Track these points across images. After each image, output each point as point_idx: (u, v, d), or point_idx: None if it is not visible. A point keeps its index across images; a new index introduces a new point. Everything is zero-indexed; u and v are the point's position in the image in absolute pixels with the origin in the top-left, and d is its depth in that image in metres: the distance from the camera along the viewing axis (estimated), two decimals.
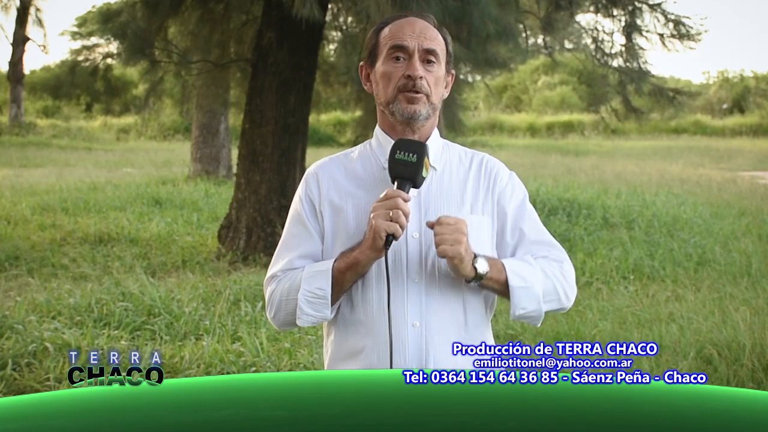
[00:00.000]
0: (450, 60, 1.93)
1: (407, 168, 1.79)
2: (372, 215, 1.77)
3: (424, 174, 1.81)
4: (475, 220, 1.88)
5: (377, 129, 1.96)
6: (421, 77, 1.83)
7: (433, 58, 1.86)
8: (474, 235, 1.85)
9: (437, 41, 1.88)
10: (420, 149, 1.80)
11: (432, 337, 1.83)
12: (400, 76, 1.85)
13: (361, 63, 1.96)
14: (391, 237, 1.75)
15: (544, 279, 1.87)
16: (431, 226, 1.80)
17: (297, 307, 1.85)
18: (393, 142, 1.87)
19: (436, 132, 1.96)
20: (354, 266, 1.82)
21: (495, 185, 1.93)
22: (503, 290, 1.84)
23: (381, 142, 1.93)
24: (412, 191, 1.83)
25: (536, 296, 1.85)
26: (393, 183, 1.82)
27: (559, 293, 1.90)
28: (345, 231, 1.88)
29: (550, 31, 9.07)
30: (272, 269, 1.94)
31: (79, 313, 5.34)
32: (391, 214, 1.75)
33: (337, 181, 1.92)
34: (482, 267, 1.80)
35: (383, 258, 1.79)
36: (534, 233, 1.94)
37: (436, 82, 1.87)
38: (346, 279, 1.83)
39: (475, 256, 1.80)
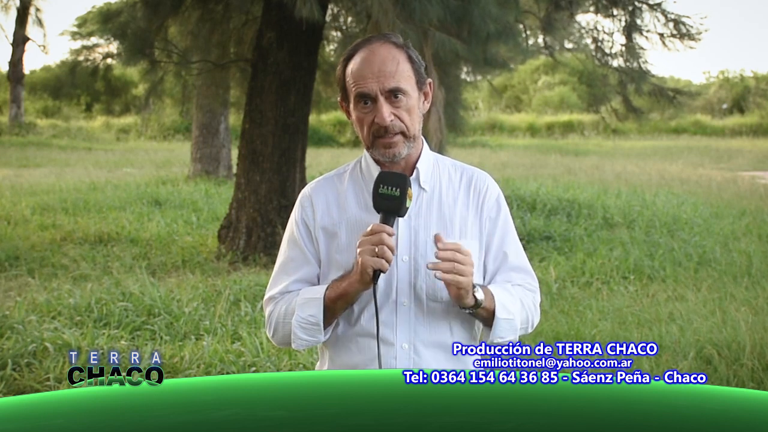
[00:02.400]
0: (421, 76, 1.92)
1: (391, 202, 1.83)
2: (358, 250, 1.82)
3: (407, 205, 1.85)
4: (464, 245, 1.91)
5: (366, 153, 1.99)
6: (391, 120, 1.86)
7: (399, 94, 1.87)
8: None
9: (398, 73, 1.87)
10: (402, 182, 1.84)
11: (420, 360, 1.89)
12: (371, 122, 1.88)
13: (339, 99, 1.98)
14: (378, 272, 1.81)
15: (521, 310, 1.95)
16: (437, 240, 1.82)
17: (292, 332, 1.92)
18: (379, 169, 1.92)
19: (425, 149, 1.99)
20: (344, 296, 1.88)
21: (483, 208, 1.98)
22: (489, 318, 1.90)
23: (369, 167, 1.97)
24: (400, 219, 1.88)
25: (515, 328, 1.92)
26: (378, 213, 1.86)
27: (529, 323, 1.99)
28: (339, 256, 1.94)
29: (550, 31, 9.08)
30: (270, 290, 2.01)
31: (79, 313, 5.34)
32: (376, 249, 1.79)
33: (329, 207, 1.97)
34: (480, 295, 1.86)
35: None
36: (515, 259, 2.00)
37: (409, 112, 1.88)
38: (337, 307, 1.90)
39: (474, 285, 1.86)
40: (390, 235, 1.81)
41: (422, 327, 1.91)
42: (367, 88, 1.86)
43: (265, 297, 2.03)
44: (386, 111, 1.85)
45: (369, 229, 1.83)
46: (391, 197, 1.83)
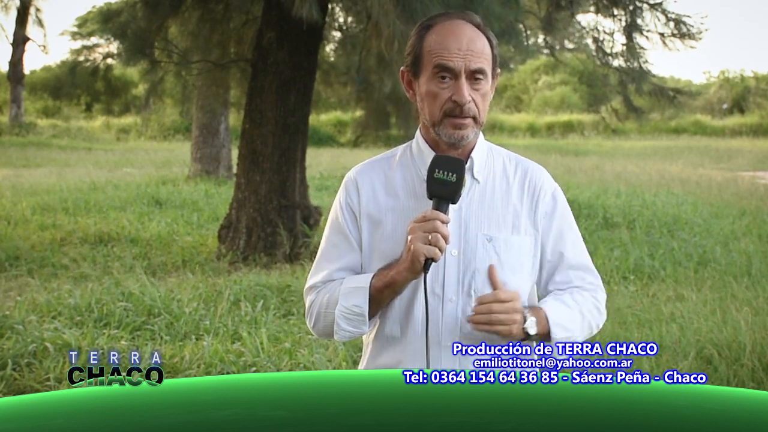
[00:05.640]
0: (496, 63, 1.83)
1: (446, 188, 1.73)
2: (410, 237, 1.72)
3: (461, 192, 1.76)
4: (516, 241, 1.84)
5: (419, 135, 1.89)
6: (469, 101, 1.76)
7: (480, 76, 1.78)
8: (514, 257, 1.83)
9: (484, 55, 1.78)
10: (459, 168, 1.74)
11: (463, 359, 1.77)
12: (446, 99, 1.77)
13: (403, 68, 1.87)
14: (430, 260, 1.72)
15: (581, 321, 1.86)
16: (478, 302, 1.75)
17: (334, 323, 1.83)
18: (434, 154, 1.81)
19: (480, 138, 1.88)
20: (391, 285, 1.79)
21: (538, 204, 1.87)
22: (545, 339, 1.81)
23: (423, 152, 1.86)
24: (451, 207, 1.78)
25: (576, 341, 1.83)
26: (431, 199, 1.76)
27: (593, 329, 1.90)
28: (383, 245, 1.85)
29: (550, 31, 9.08)
30: (312, 279, 1.92)
31: (79, 313, 5.34)
32: (430, 237, 1.70)
33: (376, 192, 1.87)
34: (532, 328, 1.78)
35: (422, 276, 1.76)
36: (573, 256, 1.91)
37: (483, 98, 1.79)
38: (384, 297, 1.81)
39: (525, 318, 1.77)
40: (444, 222, 1.72)
41: (468, 324, 1.81)
42: (452, 63, 1.75)
43: (306, 285, 1.92)
44: (467, 90, 1.75)
45: (422, 215, 1.73)
46: (447, 183, 1.73)
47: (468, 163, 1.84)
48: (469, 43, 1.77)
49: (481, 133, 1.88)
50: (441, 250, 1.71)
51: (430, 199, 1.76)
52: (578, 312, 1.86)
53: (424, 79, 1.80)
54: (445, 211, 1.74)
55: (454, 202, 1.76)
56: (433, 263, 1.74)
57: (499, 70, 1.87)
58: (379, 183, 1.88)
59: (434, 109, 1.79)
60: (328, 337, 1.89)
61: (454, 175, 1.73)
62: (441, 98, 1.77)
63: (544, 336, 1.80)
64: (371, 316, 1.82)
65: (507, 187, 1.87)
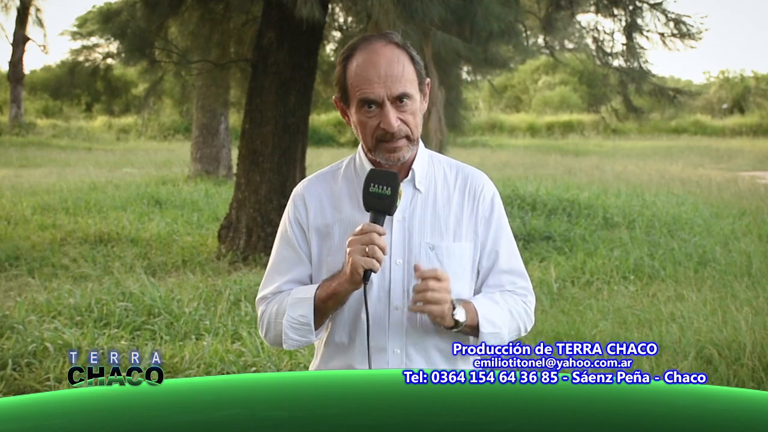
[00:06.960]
0: (421, 77, 1.87)
1: (382, 201, 1.80)
2: (348, 250, 1.78)
3: (397, 203, 1.82)
4: (457, 248, 1.90)
5: (360, 150, 1.94)
6: (398, 125, 1.81)
7: (405, 99, 1.82)
8: (457, 263, 1.89)
9: (404, 78, 1.81)
10: (394, 181, 1.80)
11: (411, 365, 1.87)
12: (375, 127, 1.82)
13: (335, 97, 1.92)
14: (369, 271, 1.77)
15: (510, 320, 1.92)
16: (419, 277, 1.80)
17: (282, 332, 1.89)
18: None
19: (421, 148, 1.94)
20: (334, 296, 1.85)
21: (478, 209, 1.94)
22: (474, 333, 1.88)
23: (365, 167, 1.91)
24: (396, 217, 1.86)
25: (502, 339, 1.90)
26: (368, 212, 1.83)
27: (520, 330, 1.97)
28: (331, 257, 1.91)
29: (550, 31, 9.08)
30: (263, 290, 1.99)
31: (79, 313, 5.34)
32: (367, 249, 1.76)
33: (323, 206, 1.94)
34: (461, 316, 1.84)
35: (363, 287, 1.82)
36: (507, 261, 1.97)
37: (413, 115, 1.84)
38: (328, 307, 1.87)
39: (454, 307, 1.83)
40: (381, 234, 1.77)
41: (414, 331, 1.88)
42: (374, 94, 1.80)
43: (258, 296, 2.00)
44: (393, 117, 1.80)
45: (359, 228, 1.79)
46: (382, 196, 1.79)
47: (409, 175, 1.91)
48: (388, 68, 1.81)
49: (420, 143, 1.94)
50: (379, 261, 1.77)
51: (368, 212, 1.82)
52: (507, 311, 1.92)
53: (353, 110, 1.86)
54: (382, 223, 1.81)
55: (390, 215, 1.83)
56: (379, 272, 1.82)
57: (428, 80, 1.91)
58: (325, 196, 1.95)
59: (366, 137, 1.85)
60: (278, 345, 1.94)
61: (389, 188, 1.80)
62: (370, 127, 1.83)
63: (473, 328, 1.86)
64: (317, 325, 1.89)
65: (448, 195, 1.94)
